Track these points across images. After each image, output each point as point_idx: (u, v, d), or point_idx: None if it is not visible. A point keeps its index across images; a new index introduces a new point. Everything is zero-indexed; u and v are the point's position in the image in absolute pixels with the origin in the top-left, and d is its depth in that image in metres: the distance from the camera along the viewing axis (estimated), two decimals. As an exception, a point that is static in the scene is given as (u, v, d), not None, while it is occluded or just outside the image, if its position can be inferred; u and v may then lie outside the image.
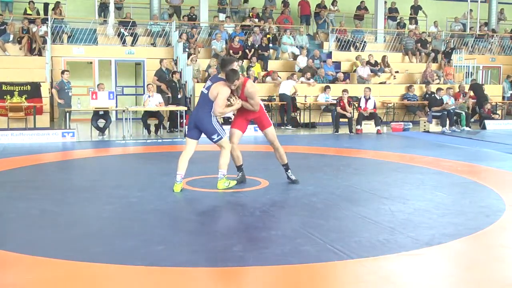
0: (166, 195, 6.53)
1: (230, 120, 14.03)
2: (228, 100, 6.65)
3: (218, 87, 6.54)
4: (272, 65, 17.64)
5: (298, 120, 16.05)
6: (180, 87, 14.69)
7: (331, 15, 21.55)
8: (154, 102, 13.49)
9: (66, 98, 13.22)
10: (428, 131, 14.95)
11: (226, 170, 6.73)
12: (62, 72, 13.73)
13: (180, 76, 15.15)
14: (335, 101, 15.25)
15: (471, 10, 22.48)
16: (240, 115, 6.99)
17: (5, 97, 13.96)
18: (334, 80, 17.41)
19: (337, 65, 18.79)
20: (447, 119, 15.17)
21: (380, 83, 17.92)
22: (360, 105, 14.69)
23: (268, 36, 18.36)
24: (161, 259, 4.16)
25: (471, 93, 17.31)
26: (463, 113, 15.57)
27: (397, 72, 18.73)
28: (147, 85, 14.05)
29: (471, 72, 19.95)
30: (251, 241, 4.78)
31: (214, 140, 6.66)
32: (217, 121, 6.71)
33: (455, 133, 14.48)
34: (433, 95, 16.14)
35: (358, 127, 14.40)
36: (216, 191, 6.69)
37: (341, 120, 14.65)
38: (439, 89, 15.95)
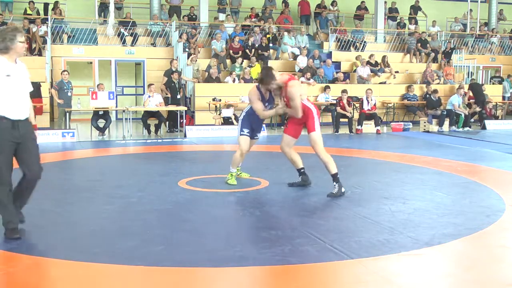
0: (166, 195, 6.53)
1: (230, 120, 14.04)
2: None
3: (249, 94, 6.94)
4: (272, 65, 17.52)
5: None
6: (179, 87, 14.70)
7: (330, 15, 21.55)
8: (154, 102, 13.49)
9: (65, 98, 13.21)
10: (428, 131, 14.95)
11: (232, 169, 7.08)
12: (62, 72, 13.75)
13: (180, 76, 15.12)
14: (335, 101, 15.26)
15: (471, 10, 22.48)
16: (292, 119, 6.82)
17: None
18: (334, 80, 17.41)
19: (337, 65, 18.79)
20: (448, 119, 15.19)
21: (380, 83, 17.92)
22: (364, 107, 14.67)
23: (268, 36, 18.36)
24: (161, 259, 4.16)
25: (470, 93, 17.31)
26: (462, 114, 15.56)
27: (397, 72, 18.73)
28: (149, 85, 14.05)
29: (471, 72, 19.95)
30: (251, 241, 4.78)
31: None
32: (244, 120, 6.99)
33: (454, 133, 14.48)
34: (429, 96, 16.07)
35: (358, 127, 14.41)
36: (216, 190, 6.69)
37: (341, 120, 14.67)
38: (435, 91, 15.87)
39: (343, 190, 6.47)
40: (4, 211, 4.62)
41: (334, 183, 6.47)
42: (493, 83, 20.11)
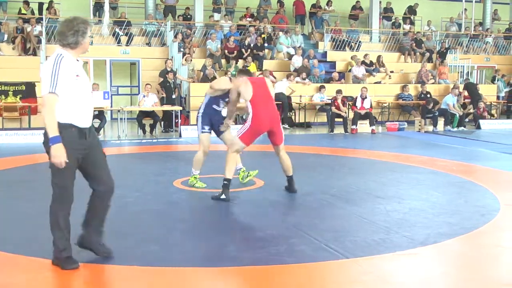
0: (161, 195, 6.52)
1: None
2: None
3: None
4: (267, 65, 17.62)
5: (293, 120, 16.06)
6: (175, 87, 14.69)
7: (325, 15, 21.58)
8: (149, 102, 13.47)
9: None
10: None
11: (195, 170, 6.94)
12: None
13: (175, 75, 15.11)
14: (330, 101, 15.28)
15: (465, 10, 22.52)
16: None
17: (-1, 97, 13.93)
18: (329, 79, 17.42)
19: (332, 65, 18.82)
20: (443, 118, 15.23)
21: (375, 82, 17.94)
22: (356, 104, 14.72)
23: (263, 36, 18.36)
24: (157, 259, 4.15)
25: (465, 93, 17.34)
26: (457, 114, 15.59)
27: (392, 72, 18.75)
28: (146, 84, 14.02)
29: (467, 72, 19.98)
30: (247, 241, 4.78)
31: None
32: (204, 117, 6.90)
33: (449, 133, 14.52)
34: (425, 102, 15.78)
35: (353, 126, 14.43)
36: (212, 190, 6.68)
37: (336, 120, 14.70)
38: (429, 102, 15.59)
39: (222, 197, 6.11)
40: (59, 236, 3.91)
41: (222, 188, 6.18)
42: (488, 83, 20.16)
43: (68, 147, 3.73)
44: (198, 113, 7.03)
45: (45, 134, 3.80)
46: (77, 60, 3.95)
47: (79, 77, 3.85)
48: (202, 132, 6.93)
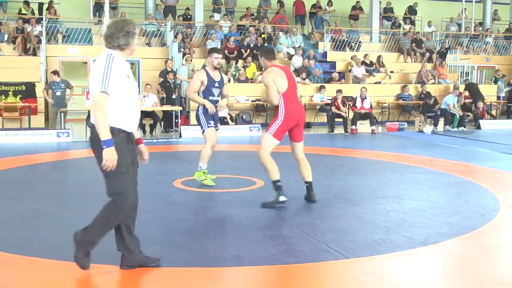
0: (161, 195, 6.52)
1: (225, 120, 14.04)
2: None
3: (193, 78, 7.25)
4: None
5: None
6: (175, 87, 14.69)
7: (326, 15, 21.59)
8: (149, 102, 13.47)
9: (54, 98, 13.31)
10: (422, 131, 14.95)
11: (204, 164, 6.89)
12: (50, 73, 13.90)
13: (175, 75, 15.11)
14: (330, 101, 15.28)
15: (465, 10, 22.53)
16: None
17: (-1, 97, 13.94)
18: (329, 80, 17.42)
19: (332, 65, 18.81)
20: (443, 118, 15.22)
21: (375, 83, 17.94)
22: (356, 104, 14.72)
23: (263, 36, 18.36)
24: (157, 259, 4.15)
25: (466, 93, 17.34)
26: (457, 114, 15.59)
27: (392, 72, 18.75)
28: (146, 84, 14.02)
29: (466, 72, 19.99)
30: (246, 241, 4.77)
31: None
32: (205, 113, 6.91)
33: (449, 133, 14.52)
34: (426, 100, 15.83)
35: (353, 126, 14.42)
36: (211, 190, 6.69)
37: (336, 120, 14.69)
38: (429, 97, 15.64)
39: (280, 199, 5.88)
40: (100, 237, 3.90)
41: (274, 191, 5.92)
42: (488, 83, 20.16)
43: (119, 153, 3.63)
44: (198, 111, 7.02)
45: (93, 138, 3.71)
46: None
47: (129, 78, 3.77)
48: (208, 127, 6.93)
